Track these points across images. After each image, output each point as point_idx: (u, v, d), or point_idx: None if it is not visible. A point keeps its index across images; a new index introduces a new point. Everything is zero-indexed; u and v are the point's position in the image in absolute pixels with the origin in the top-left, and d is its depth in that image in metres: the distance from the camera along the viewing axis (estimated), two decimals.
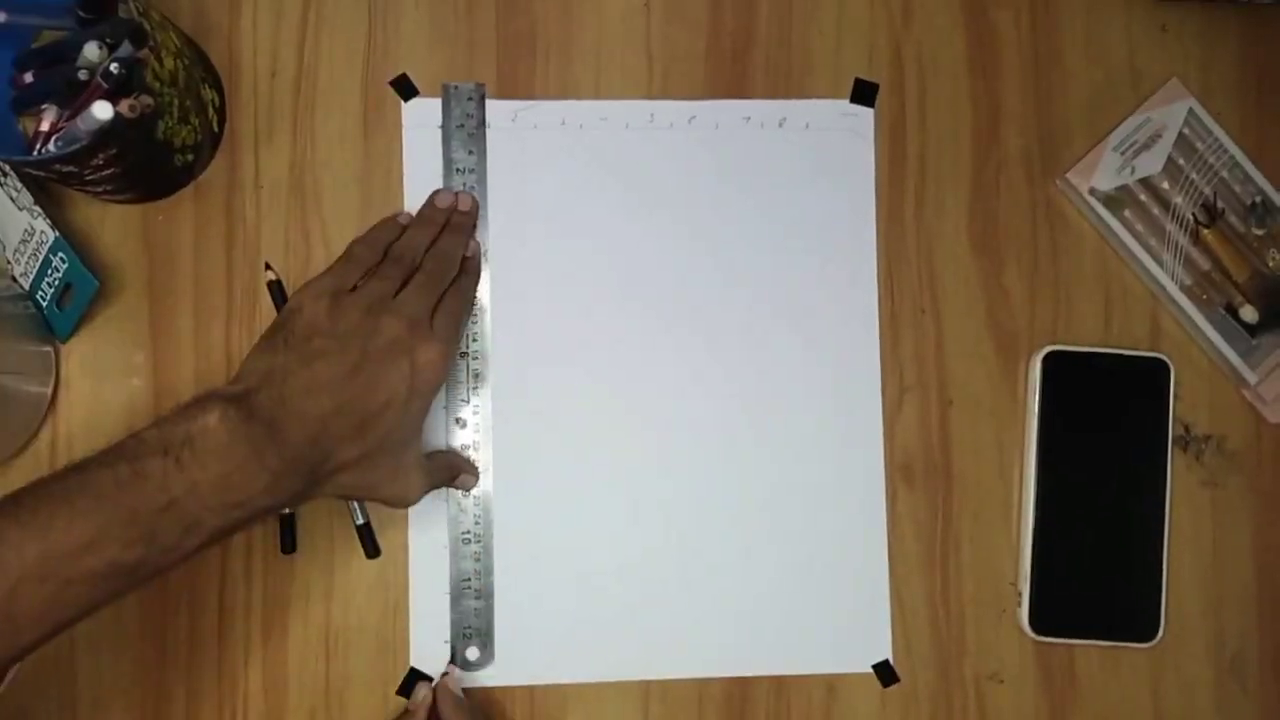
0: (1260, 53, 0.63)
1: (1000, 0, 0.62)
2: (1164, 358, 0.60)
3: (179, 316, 0.58)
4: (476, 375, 0.59)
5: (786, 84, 0.61)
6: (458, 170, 0.59)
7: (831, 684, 0.59)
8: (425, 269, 0.54)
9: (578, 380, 0.59)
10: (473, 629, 0.58)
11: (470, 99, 0.59)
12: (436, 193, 0.58)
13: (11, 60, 0.51)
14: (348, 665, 0.57)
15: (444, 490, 0.57)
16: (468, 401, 0.58)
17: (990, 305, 0.61)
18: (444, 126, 0.59)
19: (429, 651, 0.58)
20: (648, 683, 0.59)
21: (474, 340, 0.59)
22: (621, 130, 0.60)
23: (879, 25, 0.61)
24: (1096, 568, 0.59)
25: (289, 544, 0.57)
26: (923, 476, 0.60)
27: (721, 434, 0.60)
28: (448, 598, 0.58)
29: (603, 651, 0.58)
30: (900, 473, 0.60)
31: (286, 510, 0.56)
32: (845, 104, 0.61)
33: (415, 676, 0.57)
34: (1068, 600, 0.59)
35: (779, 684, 0.59)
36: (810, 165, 0.61)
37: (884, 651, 0.59)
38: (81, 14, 0.49)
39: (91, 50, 0.49)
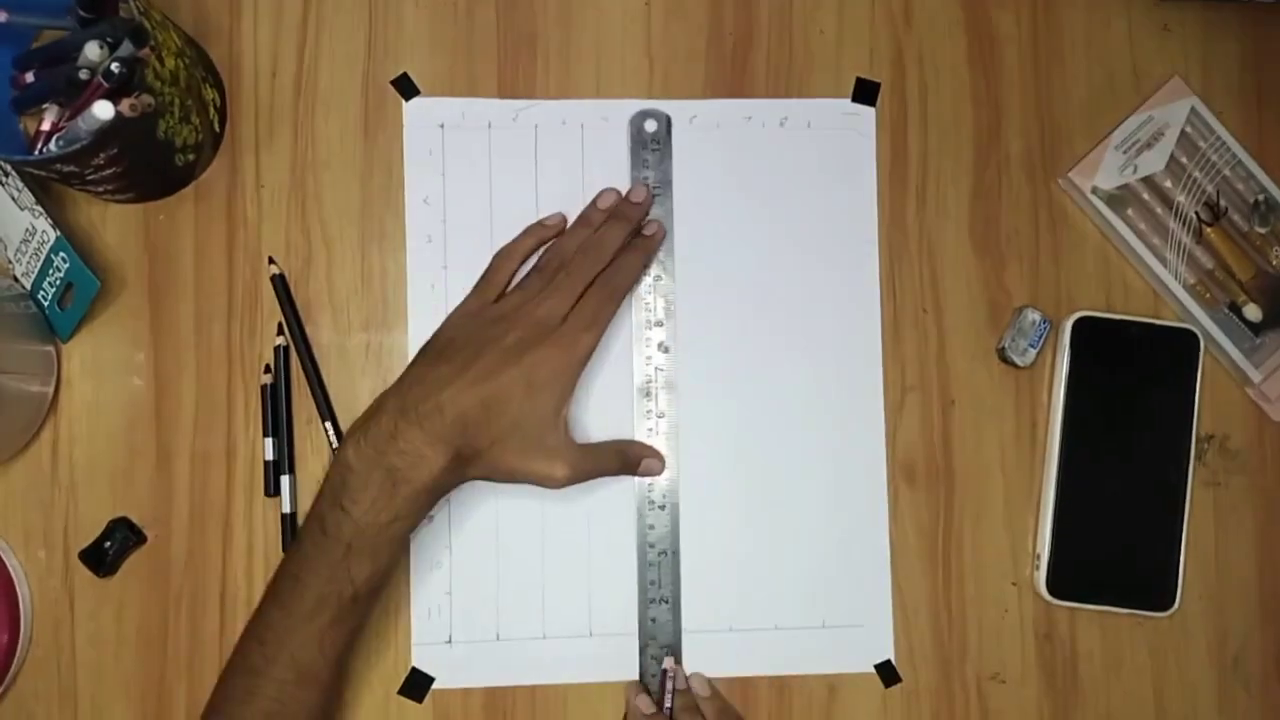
0: (1261, 52, 0.63)
1: (1001, 0, 0.62)
2: (1193, 329, 0.60)
3: (180, 316, 0.58)
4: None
5: (788, 83, 0.61)
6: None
7: (833, 684, 0.59)
8: (568, 269, 0.56)
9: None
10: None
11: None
12: (601, 193, 0.59)
13: (12, 60, 0.51)
14: (349, 665, 0.57)
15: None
16: None
17: (992, 305, 0.61)
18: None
19: (430, 652, 0.57)
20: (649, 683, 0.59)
21: None
22: (622, 129, 0.60)
23: (880, 25, 0.61)
24: (1116, 534, 0.59)
25: (290, 544, 0.57)
26: (924, 476, 0.60)
27: (723, 434, 0.59)
28: (449, 598, 0.58)
29: (605, 651, 0.58)
30: (902, 472, 0.60)
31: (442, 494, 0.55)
32: (847, 103, 0.61)
33: (417, 676, 0.57)
34: (1085, 566, 0.59)
35: (780, 683, 0.59)
36: (812, 165, 0.61)
37: (886, 651, 0.59)
38: (82, 13, 0.49)
39: (92, 50, 0.49)
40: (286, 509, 0.57)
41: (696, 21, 0.61)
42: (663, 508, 0.59)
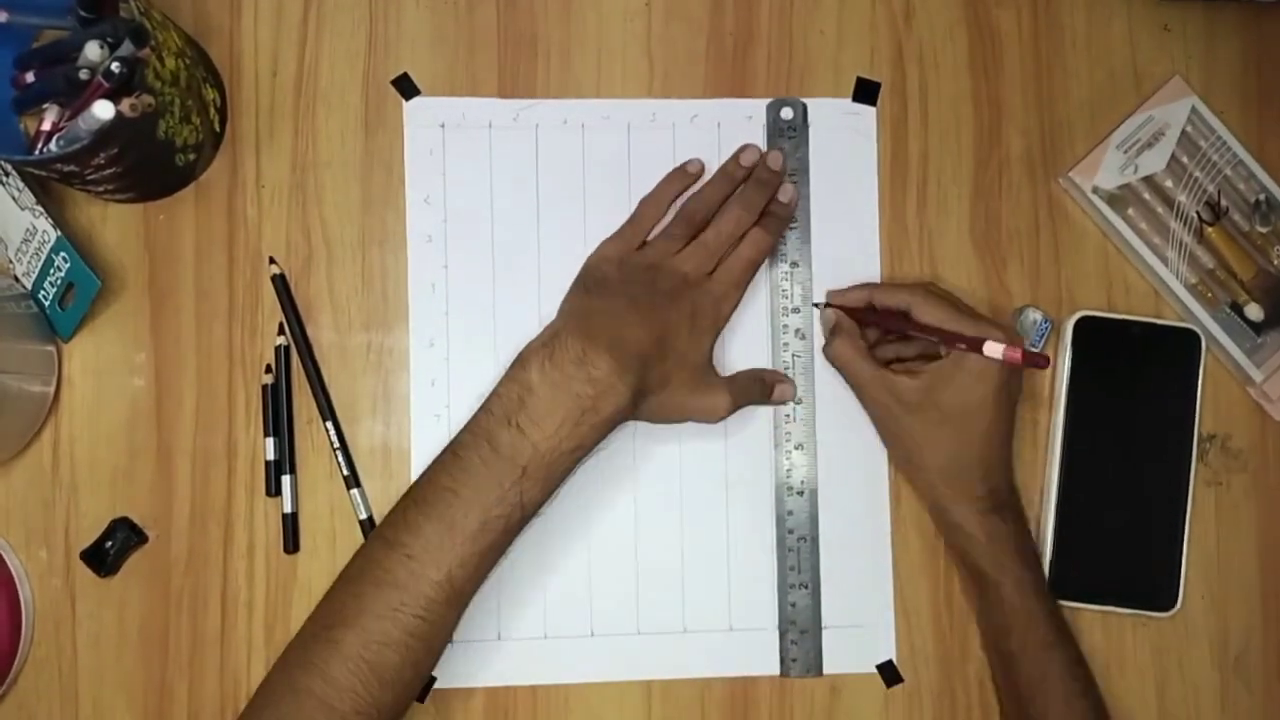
0: (1262, 51, 0.63)
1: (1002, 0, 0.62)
2: (1195, 329, 0.60)
3: (180, 316, 0.58)
4: None
5: (788, 83, 0.61)
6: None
7: (835, 684, 0.59)
8: (715, 226, 0.57)
9: None
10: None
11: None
12: (744, 148, 0.59)
13: (12, 60, 0.51)
14: None
15: None
16: None
17: (992, 303, 0.61)
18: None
19: None
20: (650, 682, 0.59)
21: None
22: (623, 129, 0.60)
23: (880, 24, 0.61)
24: (1118, 534, 0.59)
25: (292, 544, 0.57)
26: None
27: (723, 434, 0.59)
28: None
29: (606, 651, 0.58)
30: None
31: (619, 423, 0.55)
32: (847, 103, 0.61)
33: None
34: (1088, 566, 0.59)
35: (782, 684, 0.59)
36: (813, 164, 0.61)
37: (888, 652, 0.59)
38: (82, 13, 0.49)
39: (93, 50, 0.49)
40: (288, 509, 0.57)
41: (697, 21, 0.61)
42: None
